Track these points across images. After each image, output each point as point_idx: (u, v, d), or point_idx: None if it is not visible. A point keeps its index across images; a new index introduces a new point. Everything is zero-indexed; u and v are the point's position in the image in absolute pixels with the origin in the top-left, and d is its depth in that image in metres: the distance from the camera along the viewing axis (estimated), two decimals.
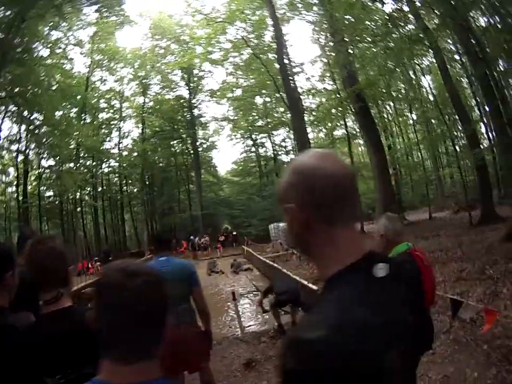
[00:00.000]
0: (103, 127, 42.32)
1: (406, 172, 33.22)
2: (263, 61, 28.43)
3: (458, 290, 6.86)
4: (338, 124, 30.65)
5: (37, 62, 28.45)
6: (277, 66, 24.02)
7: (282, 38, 21.39)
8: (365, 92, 13.54)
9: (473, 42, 10.72)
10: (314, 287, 7.96)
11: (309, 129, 33.37)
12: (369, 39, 16.23)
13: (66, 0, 22.41)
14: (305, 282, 8.75)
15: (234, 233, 35.67)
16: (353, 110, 17.92)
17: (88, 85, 37.52)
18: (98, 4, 25.41)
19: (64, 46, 33.57)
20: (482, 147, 17.86)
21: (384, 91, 23.45)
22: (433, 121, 25.84)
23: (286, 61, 23.57)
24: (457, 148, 24.41)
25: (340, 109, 21.71)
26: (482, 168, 16.33)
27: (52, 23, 28.51)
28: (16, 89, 24.54)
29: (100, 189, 42.90)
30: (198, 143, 44.31)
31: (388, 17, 14.88)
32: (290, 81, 21.90)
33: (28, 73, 22.73)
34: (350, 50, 16.51)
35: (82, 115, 38.97)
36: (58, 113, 34.88)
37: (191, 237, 31.63)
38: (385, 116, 32.49)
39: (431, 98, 27.92)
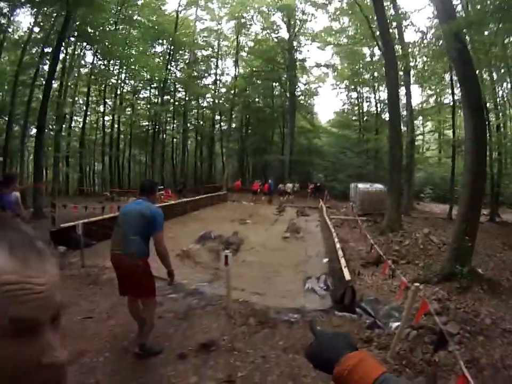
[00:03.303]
0: (201, 63, 44.36)
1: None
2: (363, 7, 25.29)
3: None
4: (443, 85, 27.23)
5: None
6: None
7: None
8: (467, 34, 10.52)
9: None
10: (347, 275, 6.84)
11: (418, 91, 30.94)
12: None
13: None
14: (344, 265, 7.56)
15: (318, 184, 34.38)
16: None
17: (177, 23, 39.16)
18: None
19: None
20: None
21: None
22: None
23: (385, 4, 20.86)
24: None
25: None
26: None
27: None
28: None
29: (193, 122, 44.52)
30: (296, 87, 43.01)
31: None
32: (388, 27, 19.14)
33: (97, 13, 24.32)
34: None
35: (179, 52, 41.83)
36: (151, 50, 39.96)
37: (269, 181, 31.53)
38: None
39: None
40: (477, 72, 15.42)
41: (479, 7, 11.65)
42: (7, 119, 27.33)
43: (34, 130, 26.81)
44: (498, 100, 25.33)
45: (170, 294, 6.68)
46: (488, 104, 23.65)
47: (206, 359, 4.58)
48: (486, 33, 13.76)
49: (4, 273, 0.53)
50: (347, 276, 7.01)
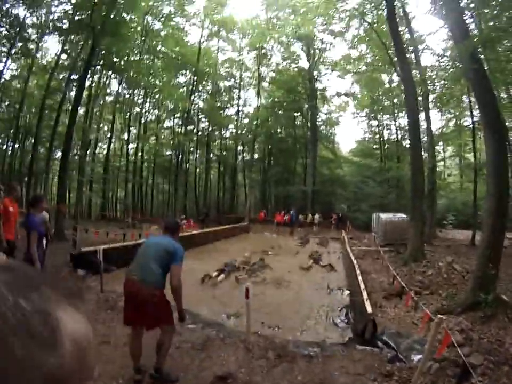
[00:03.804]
0: (224, 94, 45.44)
1: None
2: (380, 33, 25.23)
3: None
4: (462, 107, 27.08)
5: (147, 34, 33.64)
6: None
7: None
8: (483, 53, 10.40)
9: None
10: (369, 308, 6.68)
11: (437, 115, 30.76)
12: None
13: None
14: (365, 298, 7.41)
15: (340, 215, 34.18)
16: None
17: (200, 54, 40.02)
18: None
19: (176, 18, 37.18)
20: None
21: None
22: None
23: (401, 29, 20.85)
24: None
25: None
26: None
27: None
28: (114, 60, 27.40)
29: (216, 152, 45.32)
30: (318, 117, 43.21)
31: None
32: (405, 52, 19.11)
33: (122, 43, 24.78)
34: None
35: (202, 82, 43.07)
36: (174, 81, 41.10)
37: (291, 211, 31.22)
38: None
39: None
40: (495, 91, 15.34)
41: (491, 23, 11.54)
42: (33, 140, 28.16)
43: (59, 154, 27.60)
44: None
45: (189, 325, 6.58)
46: (507, 124, 23.29)
47: None
48: (500, 49, 13.65)
49: (85, 335, 0.52)
50: (369, 308, 6.89)
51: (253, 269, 13.19)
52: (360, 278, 9.54)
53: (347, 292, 10.54)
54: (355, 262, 12.22)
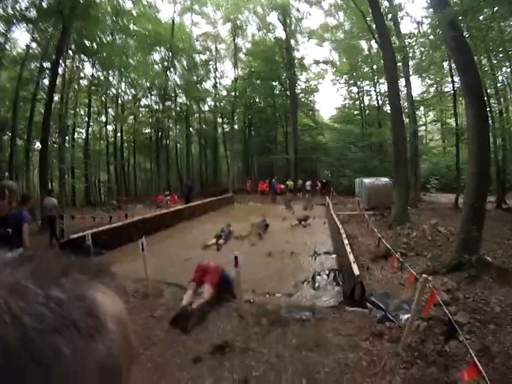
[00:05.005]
0: (200, 67, 44.77)
1: None
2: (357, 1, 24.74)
3: None
4: (443, 74, 27.19)
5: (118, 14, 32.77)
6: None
7: None
8: (462, 21, 10.43)
9: None
10: (356, 271, 6.82)
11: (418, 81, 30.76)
12: None
13: None
14: (352, 260, 7.51)
15: (324, 181, 34.41)
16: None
17: (173, 30, 39.39)
18: None
19: None
20: None
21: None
22: None
23: None
24: None
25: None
26: None
27: None
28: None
29: (195, 126, 44.77)
30: (296, 85, 43.11)
31: None
32: (384, 20, 18.91)
33: (93, 26, 25.05)
34: None
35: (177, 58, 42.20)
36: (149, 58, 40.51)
37: (273, 180, 31.40)
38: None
39: None
40: (476, 58, 15.39)
41: None
42: (10, 134, 27.61)
43: (38, 144, 27.12)
44: (498, 85, 25.09)
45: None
46: (489, 90, 23.50)
47: (221, 360, 4.65)
48: (481, 18, 13.67)
49: (122, 310, 0.52)
50: (356, 271, 7.01)
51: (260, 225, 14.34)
52: (346, 241, 9.70)
53: (334, 256, 10.67)
54: (340, 226, 12.37)
